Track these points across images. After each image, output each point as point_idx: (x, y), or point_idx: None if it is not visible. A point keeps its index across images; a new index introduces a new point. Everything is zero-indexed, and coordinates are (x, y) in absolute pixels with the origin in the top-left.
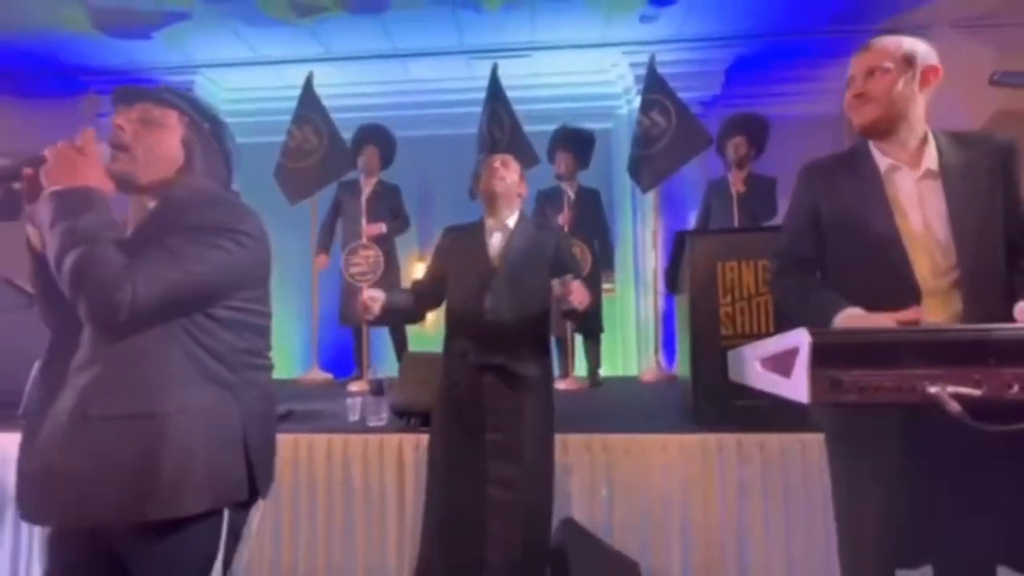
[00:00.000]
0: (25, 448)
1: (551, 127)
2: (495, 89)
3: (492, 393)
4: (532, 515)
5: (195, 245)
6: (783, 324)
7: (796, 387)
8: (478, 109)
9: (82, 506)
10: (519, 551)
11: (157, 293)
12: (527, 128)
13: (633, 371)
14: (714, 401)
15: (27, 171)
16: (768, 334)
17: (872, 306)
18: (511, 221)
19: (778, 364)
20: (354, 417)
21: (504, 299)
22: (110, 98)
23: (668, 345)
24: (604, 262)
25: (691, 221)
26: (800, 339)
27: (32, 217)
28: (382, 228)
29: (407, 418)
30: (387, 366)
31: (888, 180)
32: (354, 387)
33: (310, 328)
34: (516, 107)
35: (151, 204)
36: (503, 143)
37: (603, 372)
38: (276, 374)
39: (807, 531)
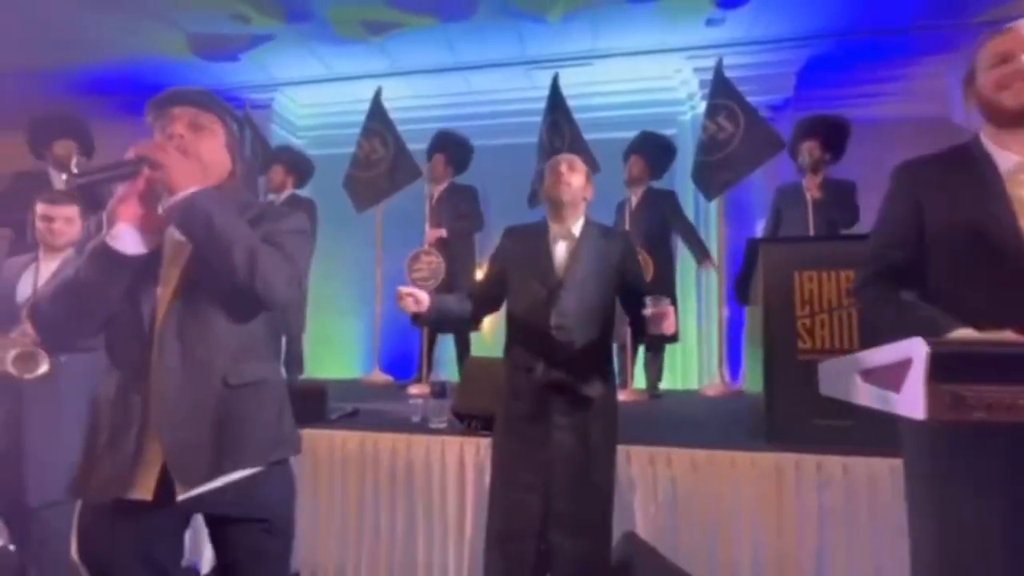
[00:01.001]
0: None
1: (612, 135)
2: (556, 99)
3: (557, 410)
4: (594, 529)
5: (293, 244)
6: (871, 340)
7: (909, 402)
8: (538, 119)
9: (224, 460)
10: (582, 563)
11: (287, 281)
12: (588, 136)
13: (692, 384)
14: (790, 419)
15: (149, 174)
16: (851, 350)
17: (988, 326)
18: (576, 228)
19: (886, 377)
20: (417, 418)
21: (570, 314)
22: (150, 105)
23: (732, 359)
24: (697, 254)
25: (758, 229)
26: (915, 349)
27: (177, 216)
28: (442, 232)
29: (468, 421)
30: (448, 370)
31: (1014, 180)
32: (414, 389)
33: (373, 331)
34: (577, 115)
35: None
36: (563, 151)
37: (661, 385)
38: (341, 374)
39: (899, 565)
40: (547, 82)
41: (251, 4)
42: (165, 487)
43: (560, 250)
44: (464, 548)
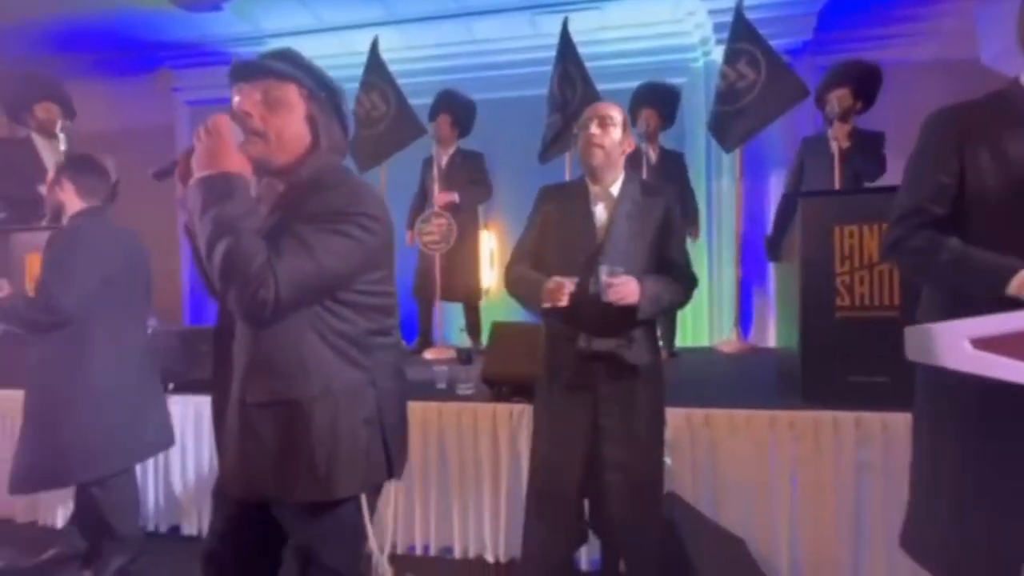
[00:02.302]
0: (215, 423)
1: (619, 85)
2: (566, 46)
3: (603, 380)
4: (645, 494)
5: (324, 233)
6: (912, 298)
7: None
8: (542, 69)
9: (249, 485)
10: (635, 528)
11: (296, 287)
12: (598, 87)
13: (704, 341)
14: (826, 377)
15: (180, 158)
16: (892, 307)
17: None
18: (615, 188)
19: (1006, 345)
20: (443, 385)
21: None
22: (228, 75)
23: (745, 315)
24: (690, 220)
25: (772, 182)
26: None
27: (184, 203)
28: (454, 197)
29: (498, 387)
30: (452, 336)
31: None
32: (430, 354)
33: None
34: (587, 64)
35: (280, 187)
36: (574, 103)
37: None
38: None
39: None
40: (551, 29)
41: None
42: None
43: (599, 211)
44: (500, 513)
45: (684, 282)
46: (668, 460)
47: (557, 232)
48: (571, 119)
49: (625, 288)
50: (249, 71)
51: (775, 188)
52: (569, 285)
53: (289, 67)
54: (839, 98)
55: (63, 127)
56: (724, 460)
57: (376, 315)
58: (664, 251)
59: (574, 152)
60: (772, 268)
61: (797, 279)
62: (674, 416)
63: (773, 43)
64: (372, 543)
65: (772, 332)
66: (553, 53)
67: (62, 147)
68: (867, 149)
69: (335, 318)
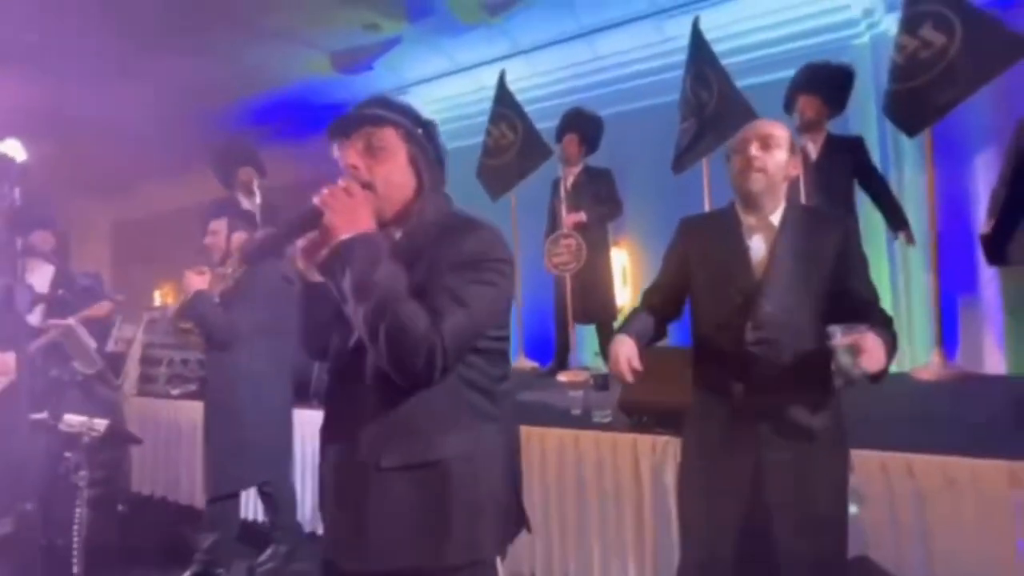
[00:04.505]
0: (323, 497)
1: (766, 78)
2: (698, 45)
3: (767, 443)
4: (825, 568)
5: (474, 285)
6: None
7: None
8: (671, 75)
9: (378, 555)
10: None
11: (458, 347)
12: (738, 84)
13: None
14: None
15: (320, 217)
16: None
17: None
18: (776, 217)
19: None
20: (577, 411)
21: (775, 325)
22: (327, 135)
23: (948, 332)
24: (893, 221)
25: (984, 167)
26: None
27: (320, 267)
28: (581, 216)
29: (637, 416)
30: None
31: None
32: (564, 377)
33: (516, 318)
34: (724, 61)
35: (397, 234)
36: (711, 106)
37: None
38: None
39: None
40: (679, 32)
41: (379, 10)
42: None
43: (757, 245)
44: (645, 549)
45: (889, 327)
46: (854, 509)
47: (704, 270)
48: (708, 123)
49: (877, 351)
50: (347, 124)
51: (980, 174)
52: (634, 362)
53: (384, 111)
54: None
55: (259, 185)
56: (939, 521)
57: (501, 360)
58: (844, 282)
59: (711, 158)
60: (990, 274)
61: None
62: (864, 460)
63: None
64: None
65: (990, 353)
66: (682, 58)
67: (257, 201)
68: None
69: (471, 370)
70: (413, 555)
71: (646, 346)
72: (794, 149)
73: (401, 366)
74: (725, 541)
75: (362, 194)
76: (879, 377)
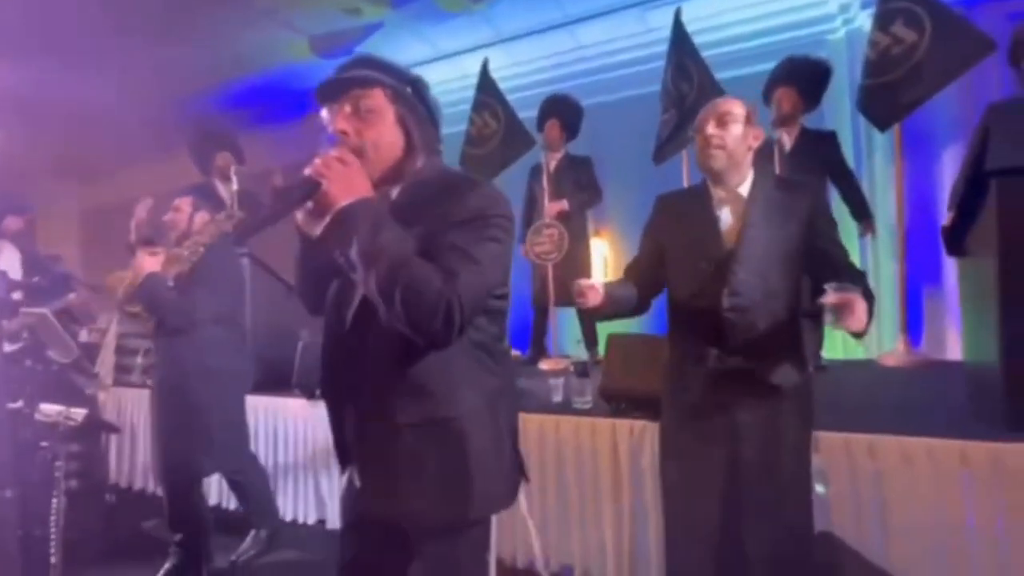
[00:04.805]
0: (337, 443)
1: (744, 71)
2: (679, 36)
3: (740, 403)
4: (793, 536)
5: (481, 242)
6: None
7: None
8: (653, 66)
9: (401, 507)
10: (782, 572)
11: (473, 303)
12: (717, 76)
13: (859, 352)
14: None
15: (317, 188)
16: None
17: None
18: (743, 188)
19: None
20: (559, 398)
21: (746, 290)
22: (316, 97)
23: (913, 320)
24: (857, 212)
25: (949, 160)
26: None
27: (324, 237)
28: (564, 205)
29: (616, 403)
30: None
31: None
32: (545, 365)
33: None
34: (703, 53)
35: (393, 193)
36: (691, 96)
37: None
38: None
39: None
40: (661, 22)
41: None
42: None
43: (726, 216)
44: (622, 531)
45: (864, 284)
46: (820, 488)
47: (676, 242)
48: (688, 113)
49: (863, 311)
50: (335, 88)
51: (947, 168)
52: (592, 284)
53: (371, 71)
54: None
55: (236, 171)
56: (896, 498)
57: (501, 319)
58: (815, 244)
59: (691, 148)
60: (953, 265)
61: (994, 277)
62: (829, 441)
63: None
64: (493, 561)
65: (951, 341)
66: (664, 48)
67: (234, 187)
68: None
69: (475, 329)
70: (432, 508)
71: (623, 309)
72: (751, 120)
73: (420, 328)
74: (707, 503)
75: (356, 161)
76: (861, 334)
